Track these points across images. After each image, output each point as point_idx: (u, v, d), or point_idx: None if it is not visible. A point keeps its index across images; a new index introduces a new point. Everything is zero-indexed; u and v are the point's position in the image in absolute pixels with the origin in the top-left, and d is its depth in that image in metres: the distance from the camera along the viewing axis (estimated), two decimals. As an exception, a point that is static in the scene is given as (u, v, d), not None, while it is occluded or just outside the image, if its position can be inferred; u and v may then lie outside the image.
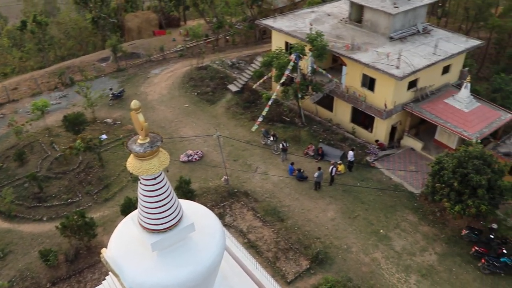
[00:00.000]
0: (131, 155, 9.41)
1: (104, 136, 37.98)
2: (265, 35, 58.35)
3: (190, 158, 35.30)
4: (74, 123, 36.45)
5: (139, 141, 9.28)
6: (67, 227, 26.67)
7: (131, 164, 9.37)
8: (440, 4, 64.06)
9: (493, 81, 44.75)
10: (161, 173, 9.67)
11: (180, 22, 70.44)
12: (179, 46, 56.15)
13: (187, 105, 42.91)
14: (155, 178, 9.58)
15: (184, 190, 28.28)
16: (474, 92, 37.49)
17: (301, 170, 33.11)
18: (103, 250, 10.36)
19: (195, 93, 44.48)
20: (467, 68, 40.35)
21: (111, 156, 36.19)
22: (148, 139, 9.28)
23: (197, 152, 35.78)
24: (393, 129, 37.15)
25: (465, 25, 58.30)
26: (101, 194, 32.59)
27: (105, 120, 40.83)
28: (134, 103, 8.96)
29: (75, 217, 26.89)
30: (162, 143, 9.49)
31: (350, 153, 33.55)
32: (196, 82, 46.36)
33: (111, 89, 44.90)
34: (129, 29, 64.07)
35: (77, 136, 34.80)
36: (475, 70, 49.54)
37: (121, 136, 38.43)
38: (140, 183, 9.69)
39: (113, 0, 64.03)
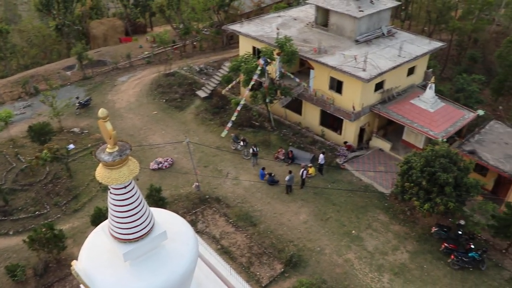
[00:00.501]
0: (100, 165, 9.24)
1: (71, 146, 37.23)
2: (232, 40, 58.41)
3: (160, 165, 34.95)
4: (39, 133, 35.62)
5: (107, 150, 9.13)
6: (35, 240, 25.96)
7: (100, 173, 9.20)
8: (403, 8, 65.43)
9: (456, 81, 45.92)
10: (131, 182, 9.52)
11: (146, 28, 69.84)
12: (146, 53, 55.64)
13: (155, 112, 42.51)
14: (125, 187, 9.43)
15: (155, 198, 27.96)
16: (438, 92, 38.41)
17: (272, 174, 33.19)
18: (74, 263, 10.12)
19: (164, 100, 44.11)
20: (431, 69, 41.34)
21: (79, 166, 35.50)
22: (116, 148, 9.13)
23: (167, 160, 35.45)
24: (362, 130, 37.67)
25: (427, 27, 59.76)
26: (70, 205, 31.91)
27: (72, 130, 40.04)
28: (101, 112, 8.81)
29: (43, 229, 26.21)
30: (131, 151, 9.34)
31: (321, 156, 33.85)
32: (164, 88, 45.98)
33: (77, 98, 44.08)
34: (95, 36, 63.14)
35: (44, 146, 34.00)
36: (439, 71, 50.84)
37: (89, 145, 37.76)
38: (110, 192, 9.52)
39: (77, 7, 62.99)
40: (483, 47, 61.88)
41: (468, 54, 57.45)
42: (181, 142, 34.91)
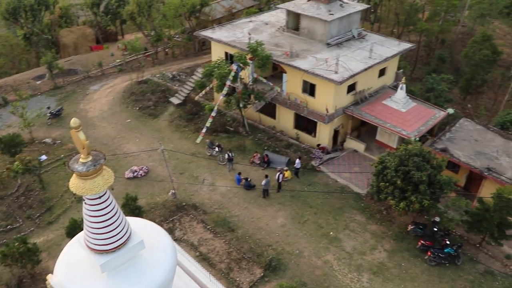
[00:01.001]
0: (74, 175, 9.12)
1: (43, 157, 36.53)
2: (204, 46, 58.36)
3: (135, 174, 34.58)
4: (10, 145, 34.82)
5: (81, 160, 9.02)
6: (8, 255, 25.30)
7: (74, 184, 9.08)
8: (372, 10, 66.54)
9: (425, 81, 46.88)
10: (106, 192, 9.42)
11: (117, 36, 69.21)
12: (118, 60, 55.11)
13: (129, 120, 42.08)
14: (100, 197, 9.33)
15: (131, 207, 27.64)
16: (409, 92, 39.11)
17: (248, 179, 33.20)
18: (49, 276, 9.93)
19: (137, 108, 43.72)
20: (401, 70, 42.06)
21: (53, 177, 34.85)
22: (90, 158, 9.03)
23: (142, 168, 35.11)
24: (336, 132, 38.03)
25: (396, 29, 60.85)
26: (44, 218, 31.28)
27: (44, 140, 39.30)
28: (73, 121, 8.70)
29: (16, 244, 25.59)
30: (105, 161, 9.25)
31: (297, 160, 33.95)
32: (137, 96, 45.58)
33: (48, 108, 43.28)
34: (65, 45, 62.22)
35: (15, 158, 33.25)
36: (409, 71, 51.83)
37: (62, 155, 37.10)
38: (85, 203, 9.39)
39: (46, 16, 61.99)
40: (450, 47, 63.39)
41: (437, 55, 58.79)
42: (156, 150, 34.64)
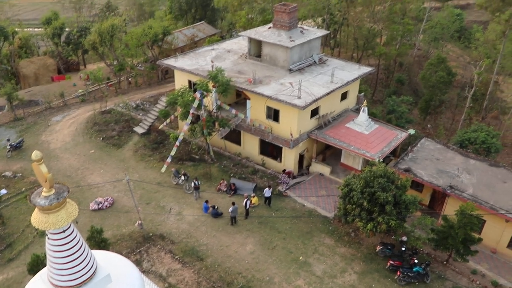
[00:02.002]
0: (36, 209, 8.84)
1: (3, 191, 35.33)
2: (167, 74, 58.38)
3: (100, 205, 33.80)
4: (-34, 181, 33.59)
5: (43, 193, 8.78)
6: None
7: (36, 218, 8.80)
8: (332, 36, 68.24)
9: (386, 103, 48.09)
10: (70, 225, 9.16)
11: (79, 66, 68.65)
12: (80, 90, 54.43)
13: (92, 151, 41.33)
14: (64, 231, 9.06)
15: (97, 240, 26.87)
16: (371, 115, 40.00)
17: (216, 207, 32.92)
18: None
19: (101, 138, 43.05)
20: (362, 93, 43.04)
21: (13, 212, 33.67)
22: (53, 191, 8.81)
23: (107, 199, 34.37)
24: (301, 157, 38.34)
25: (356, 53, 62.50)
26: (4, 254, 30.04)
27: (3, 174, 38.07)
28: (35, 154, 8.50)
29: (-26, 284, 24.47)
30: (69, 194, 9.03)
31: (266, 189, 33.70)
32: (101, 126, 44.95)
33: (8, 140, 42.09)
34: (25, 75, 61.15)
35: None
36: (370, 94, 53.14)
37: (23, 189, 35.98)
38: (48, 238, 9.10)
39: (5, 46, 60.88)
40: (408, 70, 65.56)
41: (396, 77, 60.62)
42: (121, 180, 34.04)
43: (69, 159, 40.13)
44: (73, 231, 9.24)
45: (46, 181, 8.69)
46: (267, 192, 33.57)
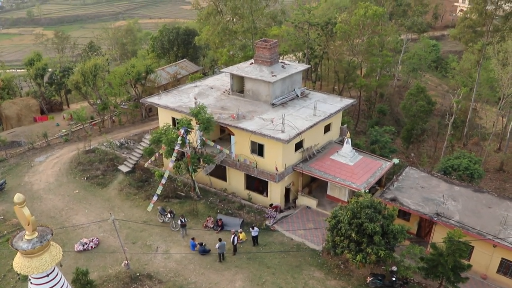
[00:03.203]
0: (18, 253, 8.65)
1: (-16, 237, 34.49)
2: (151, 112, 58.50)
3: (85, 246, 33.13)
4: None
5: (26, 237, 8.62)
6: None
7: (19, 263, 8.60)
8: (313, 70, 69.41)
9: (369, 134, 48.64)
10: (54, 269, 8.97)
11: (62, 106, 68.57)
12: (64, 130, 54.13)
13: (77, 191, 40.80)
14: (47, 275, 8.86)
15: (82, 282, 26.24)
16: (355, 146, 40.35)
17: (203, 244, 32.51)
18: None
19: (85, 178, 42.59)
20: (345, 125, 43.52)
21: (-6, 258, 32.81)
22: (36, 234, 8.65)
23: (93, 240, 33.73)
24: (287, 190, 38.30)
25: (337, 86, 63.54)
26: (-15, 303, 29.14)
27: (-16, 219, 37.26)
28: (17, 197, 8.39)
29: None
30: (52, 236, 8.86)
31: (254, 229, 33.04)
32: (85, 166, 44.52)
33: (-11, 183, 41.42)
34: (7, 116, 60.76)
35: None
36: (353, 125, 53.76)
37: (5, 232, 35.12)
38: (31, 282, 8.88)
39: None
40: (389, 100, 66.69)
41: (377, 108, 61.55)
42: (106, 220, 33.51)
43: (53, 200, 39.52)
44: (57, 275, 9.05)
45: (29, 224, 8.55)
46: (253, 232, 33.03)
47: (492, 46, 49.20)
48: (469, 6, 57.36)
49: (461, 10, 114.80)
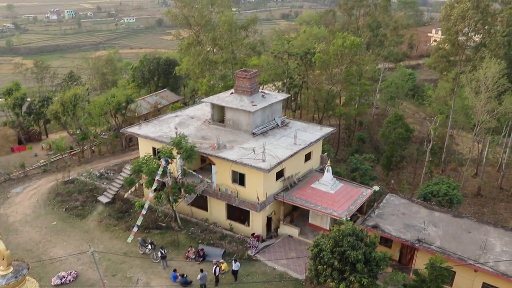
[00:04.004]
0: (-6, 293, 8.46)
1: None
2: (131, 142, 58.19)
3: (63, 280, 32.35)
4: None
5: (0, 272, 8.43)
6: None
7: (-5, 302, 8.40)
8: (293, 99, 70.19)
9: (349, 162, 49.10)
10: (32, 308, 8.77)
11: (41, 136, 67.78)
12: (42, 161, 53.39)
13: (55, 222, 40.04)
14: (25, 315, 8.65)
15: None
16: (336, 174, 40.63)
17: (185, 275, 32.05)
18: None
19: (63, 209, 41.89)
20: (326, 153, 43.89)
21: (-32, 295, 31.74)
22: (11, 269, 8.49)
23: (71, 273, 32.98)
24: (269, 219, 38.20)
25: (317, 114, 64.25)
26: None
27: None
28: (-7, 234, 8.24)
29: None
30: (28, 270, 8.70)
31: (234, 264, 32.23)
32: (64, 197, 43.84)
33: (-37, 218, 40.43)
34: (-16, 147, 59.79)
35: None
36: (333, 154, 54.20)
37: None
38: (8, 323, 8.65)
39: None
40: (368, 128, 67.64)
41: (357, 136, 62.31)
42: (85, 252, 32.90)
43: (29, 232, 38.68)
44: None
45: (3, 259, 8.38)
46: (234, 266, 32.06)
47: (465, 75, 50.61)
48: (442, 36, 59.12)
49: (435, 40, 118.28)
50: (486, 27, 52.13)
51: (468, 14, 49.84)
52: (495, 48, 49.18)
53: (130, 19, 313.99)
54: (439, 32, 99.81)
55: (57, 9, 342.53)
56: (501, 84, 46.62)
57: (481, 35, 53.41)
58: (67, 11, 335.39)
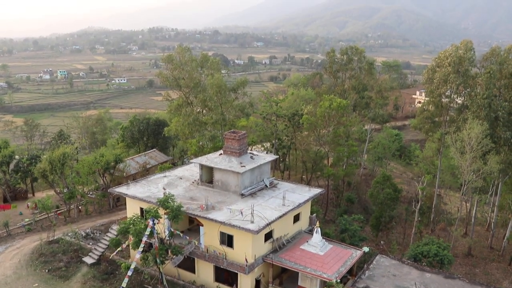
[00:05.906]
0: None
1: None
2: (119, 202, 57.71)
3: None
4: None
5: None
6: None
7: None
8: (281, 160, 70.77)
9: (338, 223, 48.98)
10: None
11: (27, 194, 66.98)
12: (27, 220, 52.47)
13: (36, 284, 38.84)
14: None
15: None
16: (325, 235, 40.41)
17: None
18: None
19: (46, 270, 40.77)
20: (314, 214, 43.84)
21: None
22: None
23: None
24: (258, 282, 37.49)
25: (305, 175, 64.60)
26: None
27: None
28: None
29: None
30: None
31: None
32: (47, 257, 42.77)
33: None
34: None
35: None
36: (322, 214, 54.11)
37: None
38: None
39: None
40: (357, 188, 67.92)
41: (345, 196, 62.46)
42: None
43: (9, 295, 37.46)
44: None
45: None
46: None
47: (450, 136, 51.62)
48: (426, 98, 60.79)
49: (419, 102, 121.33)
50: (468, 89, 53.77)
51: (450, 78, 51.54)
52: (476, 110, 50.55)
53: (121, 80, 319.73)
54: (423, 94, 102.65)
55: (50, 69, 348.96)
56: (484, 144, 47.56)
57: (463, 97, 55.01)
58: (60, 71, 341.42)
